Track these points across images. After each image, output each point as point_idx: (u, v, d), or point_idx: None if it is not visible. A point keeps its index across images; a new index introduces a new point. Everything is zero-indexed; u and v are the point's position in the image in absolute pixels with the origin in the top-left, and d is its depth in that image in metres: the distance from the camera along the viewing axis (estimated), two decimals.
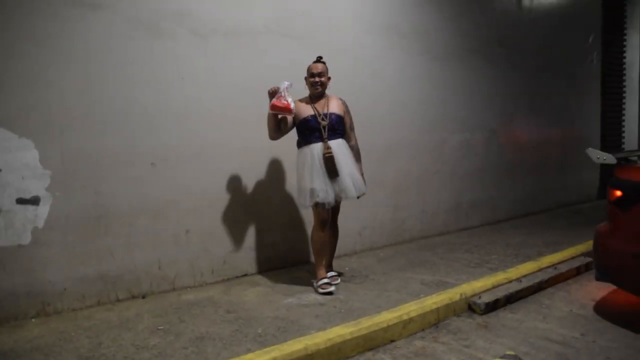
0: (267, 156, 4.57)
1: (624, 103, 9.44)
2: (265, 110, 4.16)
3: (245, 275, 4.45)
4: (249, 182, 4.46)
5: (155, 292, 3.93)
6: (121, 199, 3.79)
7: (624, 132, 9.47)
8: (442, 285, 4.12)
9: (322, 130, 3.93)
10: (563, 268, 4.69)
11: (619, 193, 3.55)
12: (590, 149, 3.77)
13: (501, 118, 6.94)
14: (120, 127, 3.77)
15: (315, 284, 4.06)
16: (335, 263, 4.79)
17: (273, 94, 3.81)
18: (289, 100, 3.79)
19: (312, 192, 3.87)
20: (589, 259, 5.03)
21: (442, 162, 6.14)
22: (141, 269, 3.87)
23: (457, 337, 3.45)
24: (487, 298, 3.91)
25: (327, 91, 4.12)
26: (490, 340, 3.39)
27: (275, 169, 4.62)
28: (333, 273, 4.24)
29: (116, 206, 3.77)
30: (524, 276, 4.42)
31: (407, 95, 5.71)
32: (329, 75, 4.10)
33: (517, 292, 4.12)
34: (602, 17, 8.77)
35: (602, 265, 3.74)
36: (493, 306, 3.90)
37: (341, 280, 4.25)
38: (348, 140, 4.10)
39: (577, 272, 4.82)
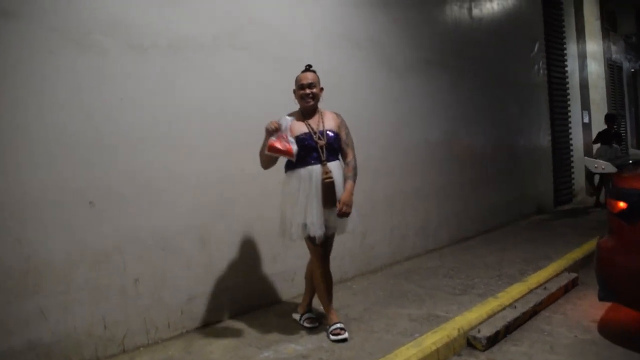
0: (225, 187, 3.99)
1: (569, 111, 9.48)
2: (220, 134, 3.67)
3: (207, 325, 3.82)
4: (206, 218, 3.86)
5: (101, 358, 3.24)
6: (53, 248, 3.10)
7: (571, 139, 9.50)
8: (434, 320, 3.66)
9: (320, 151, 3.38)
10: (552, 287, 4.36)
11: (622, 205, 3.22)
12: (586, 158, 3.50)
13: (461, 131, 6.67)
14: (44, 160, 3.09)
15: (296, 316, 3.81)
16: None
17: (273, 131, 3.32)
18: (292, 142, 3.33)
19: (304, 224, 3.34)
20: (574, 275, 4.75)
21: (406, 181, 5.74)
22: (82, 332, 3.18)
23: None
24: (486, 331, 3.48)
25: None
26: None
27: (234, 200, 4.05)
28: (341, 325, 3.47)
29: (47, 257, 3.08)
30: (516, 300, 4.04)
31: (368, 111, 5.29)
32: (321, 85, 3.62)
33: (515, 319, 3.72)
34: (544, 27, 8.79)
35: (608, 284, 3.40)
36: (494, 339, 3.48)
37: (319, 324, 3.72)
38: (344, 157, 3.57)
39: (565, 290, 4.50)
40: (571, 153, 9.51)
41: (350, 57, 5.14)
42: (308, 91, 3.48)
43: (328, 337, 3.43)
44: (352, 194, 3.44)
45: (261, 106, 4.26)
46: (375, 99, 5.41)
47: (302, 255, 4.48)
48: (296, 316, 3.84)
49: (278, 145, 3.31)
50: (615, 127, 8.79)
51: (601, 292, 3.50)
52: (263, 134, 4.17)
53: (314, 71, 3.59)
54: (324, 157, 3.39)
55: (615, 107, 11.80)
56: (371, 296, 4.35)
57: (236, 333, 3.63)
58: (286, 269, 4.42)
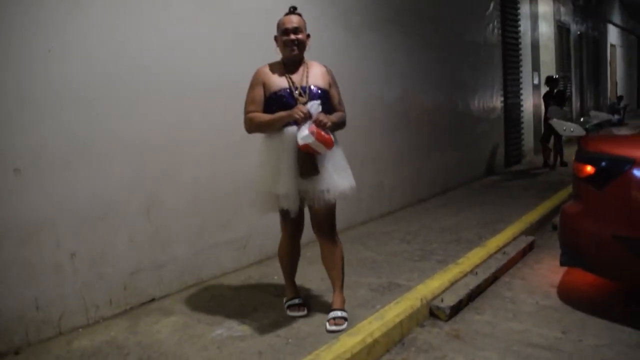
0: (172, 150, 3.66)
1: (521, 72, 9.46)
2: (166, 93, 3.36)
3: (153, 300, 3.55)
4: (150, 184, 3.54)
5: (33, 343, 2.92)
6: None
7: (522, 100, 9.52)
8: (395, 289, 3.51)
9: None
10: (511, 251, 4.30)
11: (590, 169, 3.11)
12: (554, 120, 3.37)
13: (417, 92, 6.48)
14: None
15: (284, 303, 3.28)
16: (259, 272, 4.04)
17: (303, 120, 2.74)
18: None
19: (276, 195, 2.85)
20: (531, 238, 4.71)
21: (362, 142, 5.50)
22: (11, 315, 2.84)
23: (431, 357, 2.85)
24: (449, 300, 3.36)
25: (305, 55, 3.08)
26: (472, 355, 2.83)
27: (182, 163, 3.73)
28: (342, 314, 3.02)
29: None
30: (477, 266, 3.94)
31: None
32: (307, 32, 3.07)
33: (477, 287, 3.62)
34: None
35: (573, 249, 3.33)
36: (457, 308, 3.36)
37: (271, 296, 3.51)
38: None
39: (523, 253, 4.46)
40: (522, 114, 9.53)
41: (304, 11, 4.77)
42: (293, 37, 2.94)
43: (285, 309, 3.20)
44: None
45: (210, 59, 3.93)
46: (331, 57, 5.07)
47: (254, 222, 4.25)
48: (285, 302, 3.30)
49: (325, 137, 2.70)
50: (555, 90, 8.79)
51: (563, 257, 3.43)
52: (215, 95, 3.87)
53: (299, 14, 3.04)
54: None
55: (562, 69, 11.91)
56: None
57: (185, 309, 3.38)
58: (237, 236, 4.17)
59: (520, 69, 9.44)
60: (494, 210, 5.70)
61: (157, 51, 3.56)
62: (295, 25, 2.97)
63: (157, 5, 3.56)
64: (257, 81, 2.97)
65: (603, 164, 3.03)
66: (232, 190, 4.09)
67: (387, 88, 5.92)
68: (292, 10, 3.06)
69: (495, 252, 4.25)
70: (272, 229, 4.41)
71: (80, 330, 3.10)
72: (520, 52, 9.41)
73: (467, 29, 7.70)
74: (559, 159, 8.73)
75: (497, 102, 8.66)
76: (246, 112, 2.96)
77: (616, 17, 18.32)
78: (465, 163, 7.63)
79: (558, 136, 8.68)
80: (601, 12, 15.96)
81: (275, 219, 4.35)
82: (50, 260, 3.00)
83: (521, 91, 9.47)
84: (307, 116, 2.74)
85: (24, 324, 2.88)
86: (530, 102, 10.01)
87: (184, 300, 3.52)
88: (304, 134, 2.68)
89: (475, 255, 4.12)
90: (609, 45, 17.23)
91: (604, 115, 3.87)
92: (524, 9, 9.67)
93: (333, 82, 3.11)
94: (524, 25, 9.66)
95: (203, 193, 3.89)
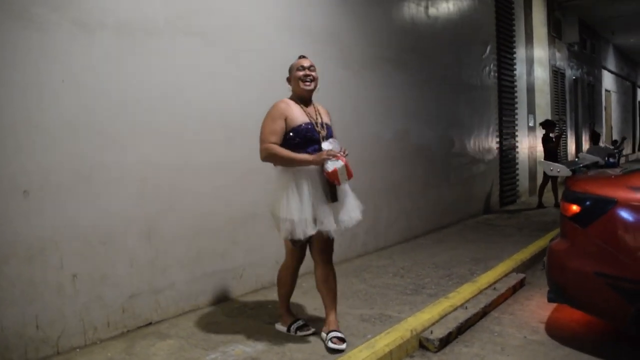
0: (174, 179, 3.79)
1: (517, 114, 9.69)
2: (170, 124, 3.53)
3: (150, 324, 3.62)
4: (152, 211, 3.66)
5: None
6: None
7: (517, 142, 9.72)
8: (386, 321, 3.59)
9: (321, 143, 3.11)
10: (501, 288, 4.39)
11: (575, 208, 3.25)
12: (542, 160, 3.52)
13: (414, 129, 6.66)
14: None
15: (283, 328, 3.42)
16: (254, 301, 4.12)
17: (328, 157, 3.02)
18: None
19: (306, 221, 2.99)
20: (521, 275, 4.80)
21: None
22: (11, 332, 2.93)
23: None
24: (439, 332, 3.44)
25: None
26: None
27: (183, 193, 3.85)
28: (341, 335, 3.16)
29: None
30: (467, 301, 4.03)
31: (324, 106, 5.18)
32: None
33: (466, 320, 3.70)
34: (496, 31, 8.93)
35: (558, 286, 3.43)
36: (446, 341, 3.44)
37: (264, 324, 3.59)
38: None
39: (514, 290, 4.54)
40: (517, 155, 9.72)
41: (308, 50, 4.97)
42: (309, 73, 3.21)
43: (325, 342, 3.14)
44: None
45: (214, 96, 4.10)
46: (331, 94, 5.28)
47: (251, 251, 4.36)
48: (281, 328, 3.42)
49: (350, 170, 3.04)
50: (554, 132, 9.04)
51: (551, 294, 3.52)
52: (216, 130, 4.03)
53: None
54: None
55: (557, 112, 12.17)
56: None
57: (181, 333, 3.45)
58: (235, 265, 4.26)
59: (516, 111, 9.68)
60: (487, 248, 5.80)
61: (162, 85, 3.73)
62: (310, 63, 3.26)
63: (164, 41, 3.75)
64: (279, 114, 3.11)
65: (587, 203, 3.16)
66: (230, 221, 4.21)
67: (385, 125, 6.11)
68: (304, 57, 3.34)
69: (486, 288, 4.35)
70: (268, 260, 4.53)
71: (77, 350, 3.18)
72: (516, 94, 9.66)
73: (465, 71, 7.95)
74: (554, 200, 8.93)
75: (493, 142, 8.85)
76: (266, 141, 3.07)
77: (611, 64, 18.75)
78: (460, 201, 7.78)
79: (554, 178, 8.87)
80: (596, 58, 16.37)
81: (271, 250, 4.50)
82: (53, 280, 3.10)
83: (516, 133, 9.68)
84: (333, 153, 3.01)
85: (23, 342, 2.96)
86: (525, 143, 10.22)
87: (180, 325, 3.59)
88: (339, 164, 2.98)
89: (466, 290, 4.21)
90: (604, 91, 17.59)
91: (591, 158, 4.02)
92: (520, 53, 9.97)
93: (332, 122, 3.41)
94: (520, 69, 9.94)
95: (202, 222, 4.00)
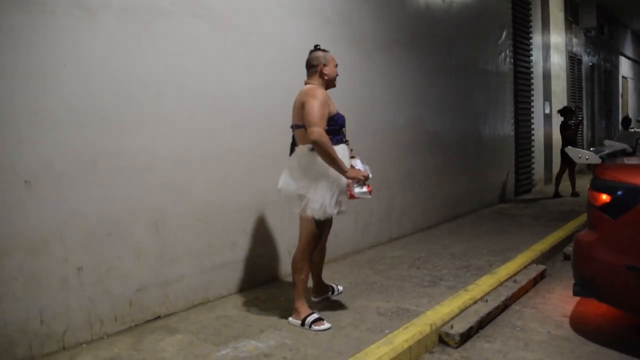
0: (180, 168, 3.65)
1: (532, 101, 9.46)
2: (177, 110, 3.39)
3: (158, 317, 3.50)
4: (159, 201, 3.53)
5: (36, 357, 2.88)
6: None
7: (533, 129, 9.49)
8: (404, 314, 3.44)
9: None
10: (522, 280, 4.22)
11: (605, 197, 3.07)
12: (569, 147, 3.31)
13: (428, 116, 6.48)
14: None
15: (297, 322, 3.30)
16: (266, 293, 4.00)
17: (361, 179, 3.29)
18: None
19: (334, 202, 3.25)
20: (542, 267, 4.64)
21: (371, 167, 5.44)
22: (15, 327, 2.81)
23: None
24: (459, 327, 3.29)
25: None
26: None
27: (190, 181, 3.72)
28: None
29: None
30: (487, 294, 3.87)
31: (335, 90, 5.02)
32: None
33: (487, 314, 3.55)
34: (512, 16, 8.68)
35: (586, 279, 3.26)
36: (467, 336, 3.29)
37: (277, 318, 3.46)
38: None
39: (534, 282, 4.38)
40: (532, 143, 9.51)
41: (319, 33, 4.83)
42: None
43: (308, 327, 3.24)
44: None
45: (222, 81, 3.95)
46: (343, 78, 5.10)
47: (262, 241, 4.23)
48: (295, 322, 3.31)
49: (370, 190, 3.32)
50: (572, 119, 8.81)
51: (577, 287, 3.36)
52: (224, 115, 3.90)
53: None
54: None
55: (574, 100, 11.91)
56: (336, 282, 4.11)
57: (191, 327, 3.33)
58: (246, 256, 4.14)
59: (532, 98, 9.44)
60: (504, 239, 5.63)
61: (168, 70, 3.58)
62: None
63: (170, 23, 3.59)
64: (326, 100, 3.25)
65: (619, 193, 2.99)
66: (241, 209, 4.08)
67: (399, 111, 5.93)
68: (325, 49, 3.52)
69: (506, 280, 4.19)
70: (280, 250, 4.40)
71: (84, 345, 3.06)
72: (532, 81, 9.43)
73: (480, 56, 7.74)
74: (571, 188, 8.73)
75: (509, 130, 8.64)
76: (319, 125, 3.16)
77: (628, 50, 18.35)
78: (475, 190, 7.59)
79: (571, 166, 8.66)
80: (613, 44, 16.01)
81: (283, 239, 4.37)
82: (57, 273, 2.98)
83: (532, 120, 9.46)
84: (367, 175, 3.31)
85: (28, 337, 2.85)
86: (541, 131, 9.99)
87: (190, 319, 3.47)
88: (363, 190, 3.27)
89: (486, 283, 4.05)
90: (620, 77, 17.23)
91: (618, 145, 3.84)
92: (536, 39, 9.72)
93: None
94: (536, 55, 9.69)
95: (212, 211, 3.87)
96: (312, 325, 3.23)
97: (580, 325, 3.52)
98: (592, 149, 3.49)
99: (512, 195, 8.75)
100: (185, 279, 3.70)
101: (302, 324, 3.27)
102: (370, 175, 3.35)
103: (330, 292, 3.85)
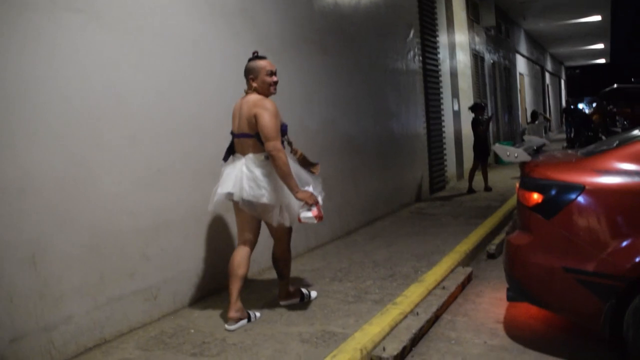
0: (64, 190, 3.09)
1: (442, 98, 9.49)
2: (52, 122, 2.85)
3: None
4: (37, 231, 2.95)
5: None
6: None
7: (444, 126, 9.53)
8: (330, 339, 3.08)
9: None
10: (450, 286, 4.01)
11: (537, 197, 2.87)
12: (497, 145, 3.12)
13: (340, 117, 6.19)
14: None
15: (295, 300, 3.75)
16: (173, 325, 3.50)
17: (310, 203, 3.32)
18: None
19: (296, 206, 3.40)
20: (468, 270, 4.46)
21: None
22: None
23: None
24: (392, 348, 2.98)
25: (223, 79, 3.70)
26: None
27: (76, 205, 3.16)
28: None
29: None
30: (417, 305, 3.61)
31: (239, 92, 4.59)
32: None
33: (419, 330, 3.27)
34: (419, 14, 8.63)
35: (521, 284, 3.05)
36: (401, 356, 2.99)
37: (188, 356, 2.99)
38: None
39: (462, 287, 4.18)
40: (444, 140, 9.53)
41: (219, 31, 4.39)
42: (275, 78, 3.48)
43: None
44: None
45: (107, 86, 3.41)
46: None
47: (166, 266, 3.74)
48: (293, 300, 3.76)
49: (320, 214, 3.37)
50: (483, 116, 8.94)
51: (511, 292, 3.15)
52: (116, 122, 3.40)
53: None
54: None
55: (479, 96, 12.16)
56: (254, 310, 3.68)
57: None
58: (147, 285, 3.62)
59: (441, 95, 9.47)
60: (426, 241, 5.44)
61: (44, 75, 3.01)
62: (275, 68, 3.51)
63: (35, 15, 3.03)
64: (277, 112, 3.35)
65: (551, 191, 2.79)
66: (139, 231, 3.57)
67: (309, 114, 5.59)
68: (263, 57, 3.54)
69: (434, 288, 3.95)
70: (188, 274, 3.92)
71: None
72: (441, 79, 9.45)
73: (390, 55, 7.58)
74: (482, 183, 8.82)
75: (421, 128, 8.58)
76: (277, 139, 3.30)
77: (523, 48, 19.25)
78: (392, 191, 7.41)
79: (484, 162, 8.75)
80: (510, 42, 16.69)
81: (190, 262, 3.90)
82: None
83: (443, 117, 9.49)
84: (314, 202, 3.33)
85: None
86: (451, 128, 10.07)
87: None
88: (308, 215, 3.30)
89: (414, 293, 3.79)
90: (518, 74, 18.01)
91: (537, 140, 3.72)
92: (442, 38, 9.77)
93: None
94: (443, 53, 9.74)
95: (103, 237, 3.32)
96: (311, 296, 3.79)
97: (515, 331, 3.34)
98: (516, 145, 3.30)
99: (428, 193, 8.69)
100: (74, 320, 3.13)
101: (302, 299, 3.73)
102: (320, 200, 3.42)
103: (299, 299, 3.82)
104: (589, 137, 6.92)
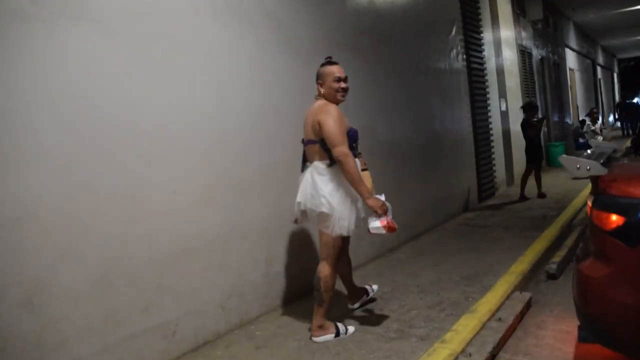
0: (61, 215, 2.76)
1: (489, 98, 8.89)
2: (56, 140, 2.52)
3: None
4: (35, 267, 2.62)
5: None
6: None
7: (492, 129, 8.91)
8: None
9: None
10: (508, 317, 3.49)
11: (618, 219, 2.34)
12: (564, 157, 2.57)
13: (380, 123, 5.72)
14: None
15: (329, 336, 3.34)
16: (190, 356, 3.12)
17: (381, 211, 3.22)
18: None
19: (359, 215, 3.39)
20: (527, 295, 3.93)
21: None
22: None
23: None
24: None
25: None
26: None
27: (77, 231, 2.82)
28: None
29: None
30: (469, 343, 3.11)
31: (268, 103, 4.21)
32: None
33: None
34: (461, 9, 8.07)
35: (597, 324, 2.52)
36: None
37: None
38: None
39: (521, 317, 3.65)
40: (492, 144, 8.91)
41: (241, 36, 4.01)
42: (344, 85, 3.41)
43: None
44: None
45: (120, 98, 3.08)
46: (277, 88, 4.31)
47: (185, 298, 3.37)
48: (326, 337, 3.34)
49: (393, 225, 3.26)
50: (535, 116, 8.30)
51: (584, 332, 2.62)
52: (127, 141, 3.06)
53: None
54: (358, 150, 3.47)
55: (528, 95, 11.43)
56: (282, 348, 3.27)
57: None
58: (164, 320, 3.26)
59: (488, 95, 8.86)
60: (476, 259, 4.90)
61: (41, 82, 2.68)
62: (345, 73, 3.44)
63: (35, 27, 2.70)
64: (340, 116, 3.31)
65: (637, 213, 2.26)
66: (155, 261, 3.22)
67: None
68: (335, 62, 3.47)
69: (489, 319, 3.44)
70: (210, 305, 3.54)
71: None
72: (487, 78, 8.85)
73: (431, 54, 7.05)
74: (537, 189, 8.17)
75: (466, 132, 8.01)
76: (342, 143, 3.22)
77: (572, 42, 18.27)
78: (438, 201, 6.88)
79: (537, 166, 8.10)
80: (559, 36, 15.81)
81: (213, 292, 3.52)
82: None
83: (490, 119, 8.88)
84: (386, 209, 3.23)
85: None
86: (499, 131, 9.42)
87: None
88: (377, 225, 3.22)
89: (466, 327, 3.28)
90: (568, 70, 17.06)
91: (607, 146, 3.19)
92: (487, 33, 9.16)
93: None
94: (488, 50, 9.13)
95: (112, 269, 2.98)
96: (348, 331, 3.40)
97: None
98: (585, 153, 2.77)
99: (476, 201, 8.10)
100: None
101: (337, 335, 3.34)
102: (390, 208, 3.28)
103: (365, 295, 3.93)
104: None
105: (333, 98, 3.38)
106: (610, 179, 2.48)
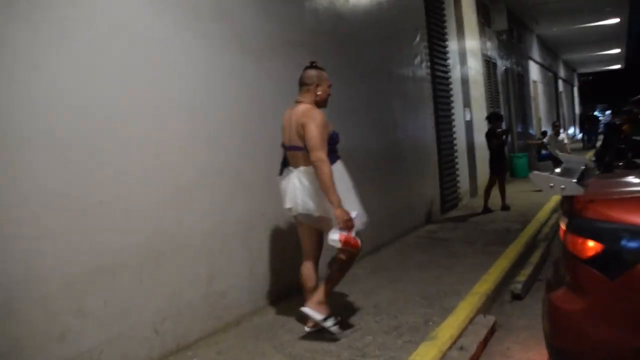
0: None
1: (453, 107, 8.68)
2: None
3: None
4: None
5: None
6: None
7: (455, 138, 8.70)
8: None
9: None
10: (471, 345, 3.18)
11: (595, 246, 2.04)
12: (535, 173, 2.27)
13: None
14: None
15: (320, 316, 3.31)
16: None
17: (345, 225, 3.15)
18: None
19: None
20: (492, 319, 3.64)
21: (270, 199, 4.21)
22: None
23: None
24: None
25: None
26: None
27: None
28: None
29: None
30: None
31: (213, 104, 3.83)
32: None
33: None
34: (426, 15, 7.84)
35: None
36: None
37: None
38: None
39: (485, 344, 3.35)
40: (456, 154, 8.70)
41: (188, 29, 3.63)
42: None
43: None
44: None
45: (52, 97, 2.66)
46: (221, 84, 3.93)
47: (111, 321, 2.96)
48: (317, 315, 3.30)
49: (354, 242, 3.22)
50: (499, 127, 8.12)
51: None
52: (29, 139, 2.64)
53: None
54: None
55: (492, 105, 11.32)
56: None
57: None
58: (84, 348, 2.83)
59: (452, 104, 8.66)
60: (437, 276, 4.60)
61: None
62: None
63: None
64: (325, 122, 3.30)
65: (618, 240, 1.97)
66: (70, 282, 2.80)
67: None
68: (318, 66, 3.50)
69: (450, 348, 3.12)
70: (139, 329, 3.12)
71: None
72: (451, 86, 8.64)
73: (394, 59, 6.78)
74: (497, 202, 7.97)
75: (430, 140, 7.76)
76: (322, 149, 3.22)
77: (535, 54, 18.42)
78: (397, 213, 6.56)
79: (501, 177, 7.92)
80: (522, 48, 15.87)
81: (146, 310, 3.11)
82: None
83: (454, 128, 8.67)
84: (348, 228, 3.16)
85: None
86: (463, 140, 9.23)
87: None
88: (335, 237, 3.16)
89: (425, 357, 2.96)
90: (531, 81, 17.15)
91: (578, 160, 2.94)
92: (452, 41, 8.97)
93: None
94: (453, 59, 8.94)
95: (20, 289, 2.54)
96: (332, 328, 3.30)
97: None
98: (556, 170, 2.48)
99: (439, 213, 7.84)
100: None
101: (325, 320, 3.29)
102: (359, 225, 3.27)
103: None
104: (621, 150, 6.06)
105: (324, 102, 3.45)
106: (587, 199, 2.18)
